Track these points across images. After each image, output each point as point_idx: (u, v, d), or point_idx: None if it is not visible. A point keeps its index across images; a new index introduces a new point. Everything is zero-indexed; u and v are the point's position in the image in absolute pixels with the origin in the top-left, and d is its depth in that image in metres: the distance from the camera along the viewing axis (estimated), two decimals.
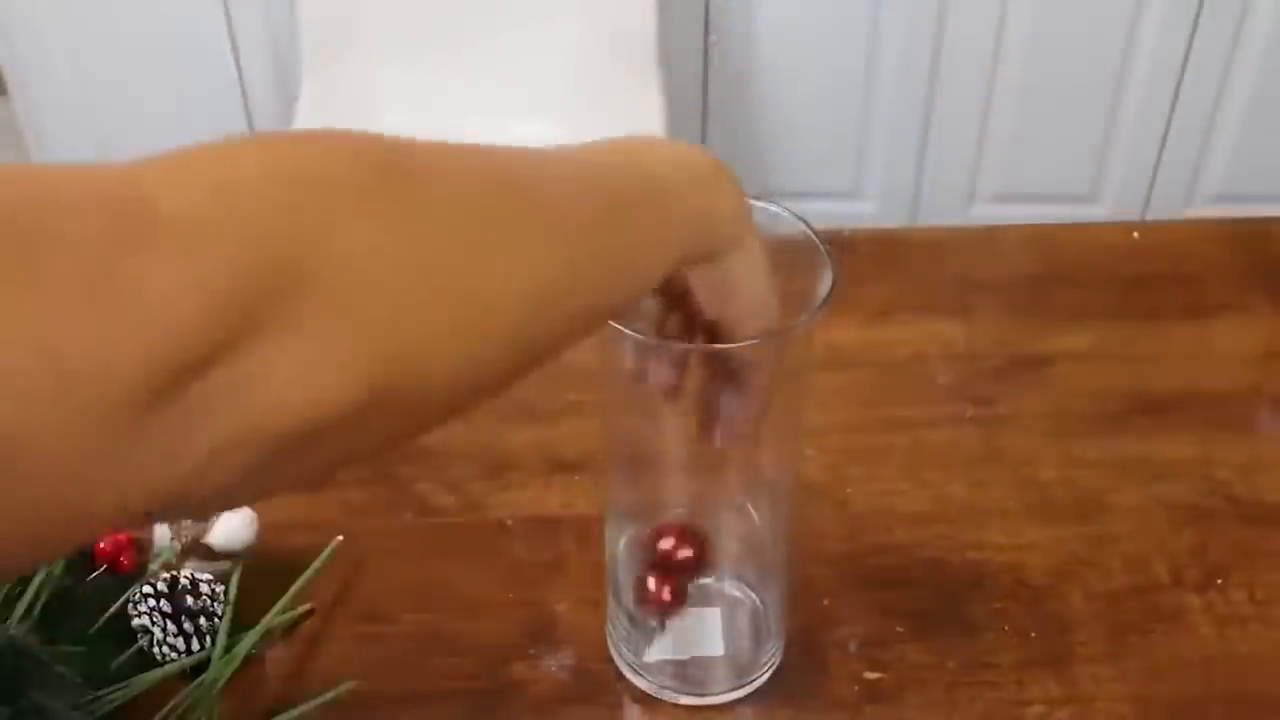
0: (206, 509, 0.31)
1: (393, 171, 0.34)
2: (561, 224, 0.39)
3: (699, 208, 0.45)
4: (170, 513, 0.30)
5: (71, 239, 0.27)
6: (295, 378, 0.30)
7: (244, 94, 1.96)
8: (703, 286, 0.46)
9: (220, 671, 0.62)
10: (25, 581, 0.62)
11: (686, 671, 0.63)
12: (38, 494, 0.26)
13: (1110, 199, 2.01)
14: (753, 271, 0.47)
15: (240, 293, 0.29)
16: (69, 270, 0.26)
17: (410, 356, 0.33)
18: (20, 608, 0.60)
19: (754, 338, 0.48)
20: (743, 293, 0.47)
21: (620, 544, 0.63)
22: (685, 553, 0.61)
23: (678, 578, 0.62)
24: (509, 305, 0.36)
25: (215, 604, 0.63)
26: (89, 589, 0.64)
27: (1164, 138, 1.94)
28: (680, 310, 0.50)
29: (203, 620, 0.63)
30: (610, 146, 0.45)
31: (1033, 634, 0.65)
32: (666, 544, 0.61)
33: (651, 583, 0.61)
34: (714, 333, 0.49)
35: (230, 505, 0.34)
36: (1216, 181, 1.98)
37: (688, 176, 0.45)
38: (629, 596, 0.63)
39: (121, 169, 0.29)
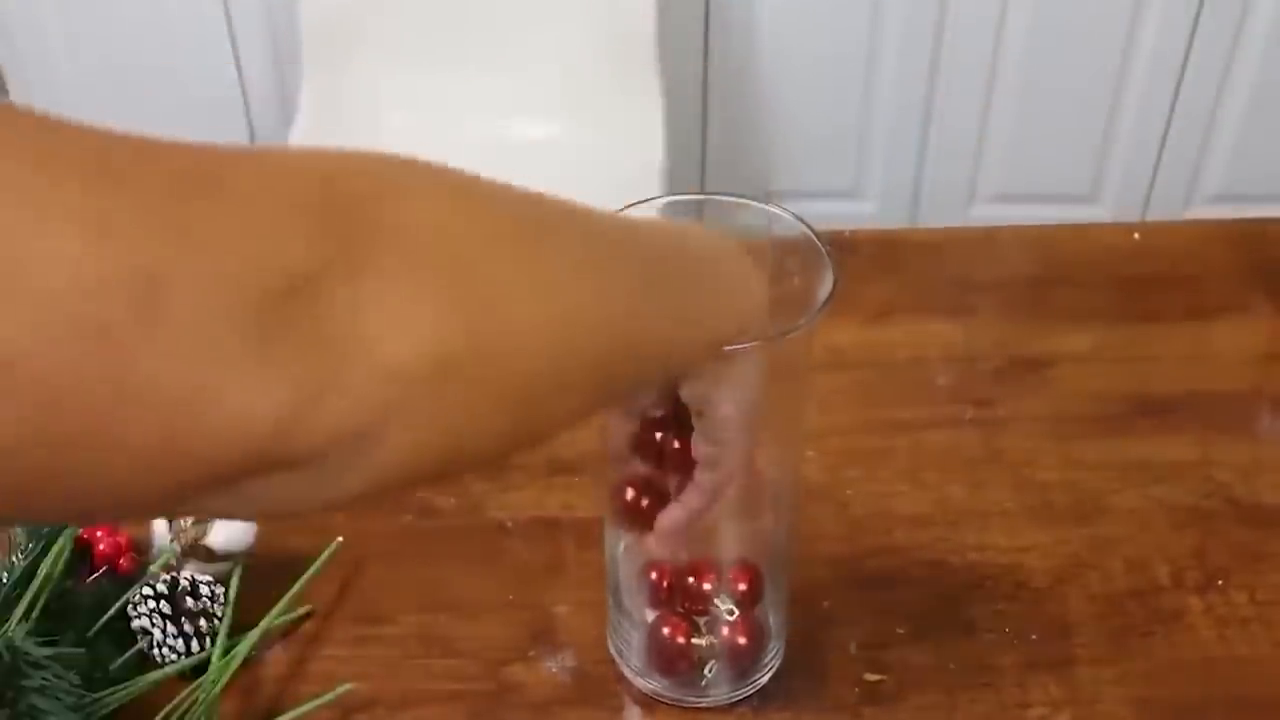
0: (305, 466, 0.29)
1: (473, 180, 0.35)
2: (648, 270, 0.40)
3: (745, 291, 0.46)
4: (270, 464, 0.28)
5: (158, 167, 0.27)
6: (386, 319, 0.29)
7: (244, 94, 1.96)
8: (707, 377, 0.47)
9: (220, 673, 0.61)
10: (25, 583, 0.62)
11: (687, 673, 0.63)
12: (146, 428, 0.26)
13: (1110, 199, 2.00)
14: (758, 368, 0.48)
15: (333, 215, 0.29)
16: (158, 191, 0.26)
17: (492, 332, 0.32)
18: (20, 609, 0.60)
19: (754, 339, 0.48)
20: (743, 390, 0.48)
21: (620, 546, 0.62)
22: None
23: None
24: (595, 325, 0.36)
25: (215, 605, 0.63)
26: (89, 591, 0.63)
27: (1164, 138, 1.94)
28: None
29: (202, 622, 0.63)
30: (664, 224, 0.46)
31: (1033, 636, 0.65)
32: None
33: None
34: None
35: (332, 479, 0.31)
36: (1216, 181, 1.98)
37: (734, 262, 0.45)
38: (632, 599, 0.63)
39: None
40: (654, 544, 0.54)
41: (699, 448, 0.50)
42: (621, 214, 0.44)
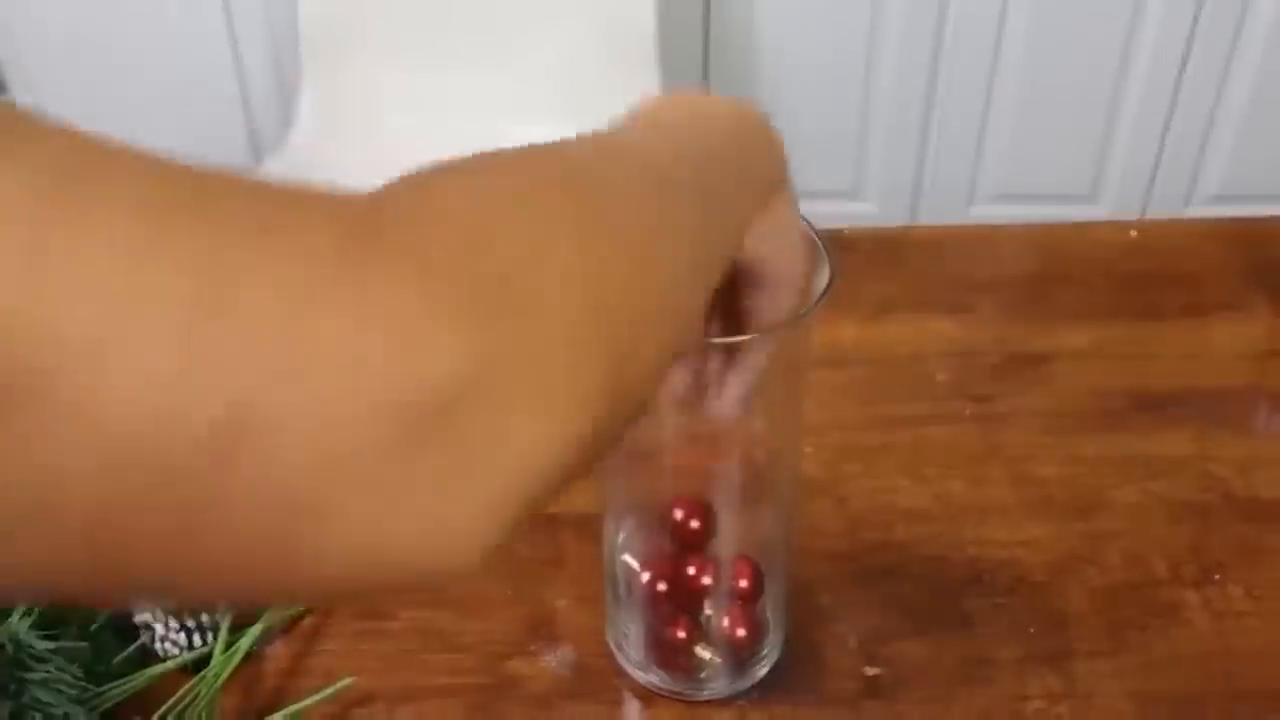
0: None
1: (579, 191, 0.35)
2: (693, 193, 0.40)
3: (764, 158, 0.47)
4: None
5: (306, 243, 0.26)
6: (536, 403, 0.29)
7: (244, 94, 1.96)
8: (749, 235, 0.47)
9: (222, 667, 0.62)
10: None
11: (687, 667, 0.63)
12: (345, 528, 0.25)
13: (1109, 198, 2.01)
14: (794, 210, 0.49)
15: (470, 303, 0.29)
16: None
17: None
18: (22, 604, 0.60)
19: (753, 334, 0.49)
20: (787, 234, 0.48)
21: (619, 540, 0.63)
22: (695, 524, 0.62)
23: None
24: (684, 281, 0.38)
25: None
26: None
27: (1163, 137, 1.95)
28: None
29: (204, 616, 0.63)
30: (674, 109, 0.46)
31: (1031, 630, 0.66)
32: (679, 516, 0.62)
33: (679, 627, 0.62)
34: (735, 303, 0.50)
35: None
36: (1216, 181, 1.98)
37: (750, 130, 0.47)
38: (631, 593, 0.63)
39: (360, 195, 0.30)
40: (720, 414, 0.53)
41: (761, 310, 0.50)
42: (658, 126, 0.44)
